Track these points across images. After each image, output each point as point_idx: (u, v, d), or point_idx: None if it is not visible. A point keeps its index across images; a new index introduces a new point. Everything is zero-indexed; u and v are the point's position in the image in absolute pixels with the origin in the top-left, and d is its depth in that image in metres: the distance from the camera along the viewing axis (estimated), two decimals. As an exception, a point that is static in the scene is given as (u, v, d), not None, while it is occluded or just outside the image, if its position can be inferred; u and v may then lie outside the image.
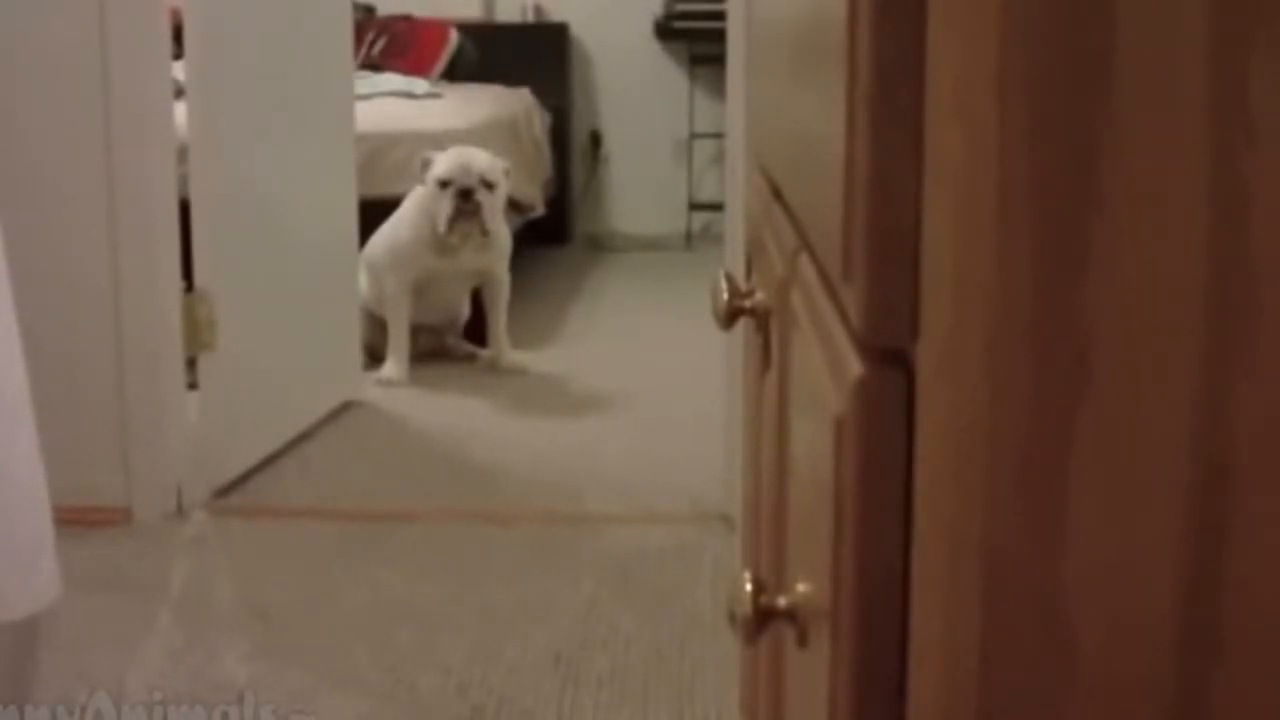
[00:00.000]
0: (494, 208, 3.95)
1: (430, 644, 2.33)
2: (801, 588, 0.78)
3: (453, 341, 4.23)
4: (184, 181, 2.94)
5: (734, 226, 2.59)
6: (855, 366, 0.62)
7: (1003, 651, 0.54)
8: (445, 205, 3.87)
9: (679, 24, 5.91)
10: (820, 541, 0.69)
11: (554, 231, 5.83)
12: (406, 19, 5.91)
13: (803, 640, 0.77)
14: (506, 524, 2.88)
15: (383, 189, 4.09)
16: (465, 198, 3.87)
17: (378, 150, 4.20)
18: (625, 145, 6.20)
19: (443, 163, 3.90)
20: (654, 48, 6.09)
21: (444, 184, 3.88)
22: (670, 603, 2.49)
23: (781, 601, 0.80)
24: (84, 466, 2.80)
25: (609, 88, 6.19)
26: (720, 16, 2.92)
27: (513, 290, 4.15)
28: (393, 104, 4.85)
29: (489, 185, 3.91)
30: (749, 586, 0.81)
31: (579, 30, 6.12)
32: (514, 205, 5.16)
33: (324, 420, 3.48)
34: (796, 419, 0.87)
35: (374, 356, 3.97)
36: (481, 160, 3.93)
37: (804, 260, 0.85)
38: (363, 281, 3.95)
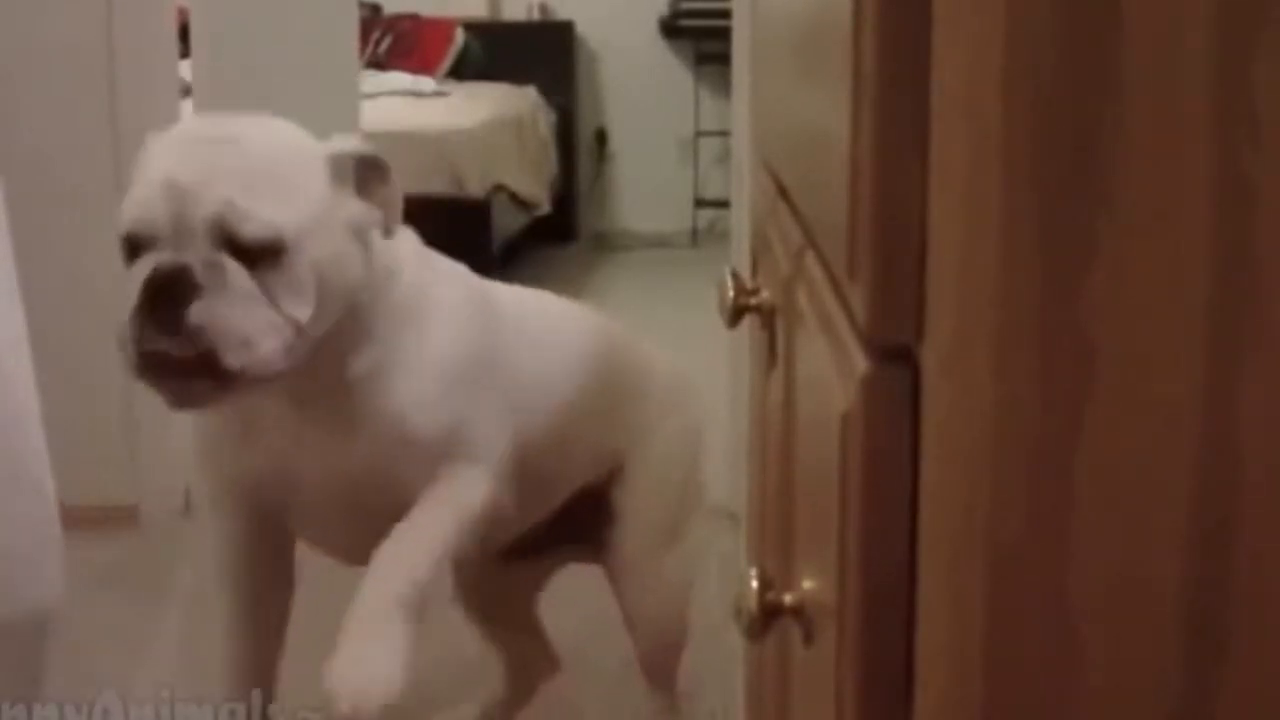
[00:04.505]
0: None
1: (434, 642, 2.32)
2: (807, 585, 0.78)
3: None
4: (190, 181, 2.94)
5: (740, 224, 2.59)
6: (861, 364, 0.62)
7: (1008, 648, 0.54)
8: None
9: (684, 22, 5.91)
10: (826, 538, 0.69)
11: (560, 229, 5.83)
12: (412, 18, 5.92)
13: (809, 638, 0.77)
14: (513, 522, 2.87)
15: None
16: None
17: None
18: (631, 143, 6.20)
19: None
20: (660, 46, 6.08)
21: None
22: (676, 600, 2.49)
23: (787, 599, 0.80)
24: (92, 465, 2.80)
25: (615, 86, 6.19)
26: (726, 14, 2.92)
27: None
28: (398, 103, 4.85)
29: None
30: (755, 583, 0.81)
31: (585, 29, 6.12)
32: (519, 202, 5.17)
33: (330, 419, 3.47)
34: (802, 416, 0.87)
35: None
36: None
37: (809, 258, 0.85)
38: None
